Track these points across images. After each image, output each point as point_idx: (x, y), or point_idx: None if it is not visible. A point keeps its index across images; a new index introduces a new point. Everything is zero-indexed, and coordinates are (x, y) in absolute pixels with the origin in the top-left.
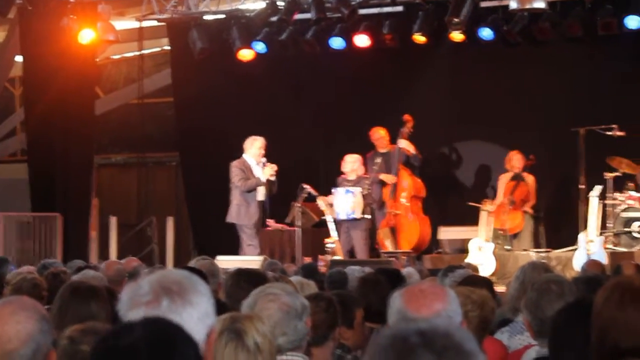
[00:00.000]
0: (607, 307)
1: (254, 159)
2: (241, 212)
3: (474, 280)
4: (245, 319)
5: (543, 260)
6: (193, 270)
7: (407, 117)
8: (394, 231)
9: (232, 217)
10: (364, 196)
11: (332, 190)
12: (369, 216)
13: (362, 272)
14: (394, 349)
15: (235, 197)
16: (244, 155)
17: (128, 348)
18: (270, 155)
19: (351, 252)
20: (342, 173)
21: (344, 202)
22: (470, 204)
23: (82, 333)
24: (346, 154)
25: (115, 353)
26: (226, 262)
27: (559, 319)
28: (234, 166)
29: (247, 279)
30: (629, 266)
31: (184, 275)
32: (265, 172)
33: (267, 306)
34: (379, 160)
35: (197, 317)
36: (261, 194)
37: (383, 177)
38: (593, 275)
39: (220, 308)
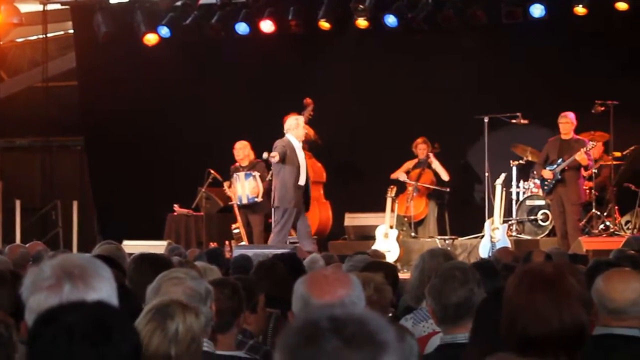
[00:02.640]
0: (517, 293)
1: (298, 139)
2: (278, 195)
3: (376, 266)
4: (177, 305)
5: (443, 247)
6: (100, 257)
7: (307, 100)
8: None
9: (273, 200)
10: (262, 180)
11: (233, 177)
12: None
13: (267, 257)
14: (303, 333)
15: (274, 179)
16: (287, 135)
17: (65, 327)
18: (176, 141)
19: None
20: (235, 161)
21: (245, 187)
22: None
23: None
24: (252, 139)
25: (53, 330)
26: (132, 246)
27: (480, 306)
28: (277, 144)
29: (149, 264)
30: (538, 254)
31: (86, 260)
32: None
33: (171, 290)
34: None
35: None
36: (302, 177)
37: None
38: (485, 261)
39: (125, 293)
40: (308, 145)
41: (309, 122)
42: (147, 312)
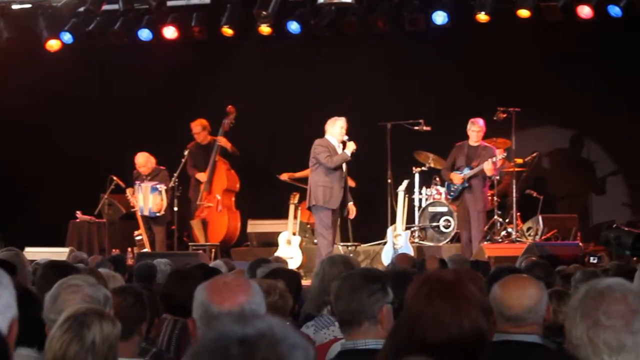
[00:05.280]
0: (416, 300)
1: (336, 139)
2: (327, 194)
3: (278, 273)
4: (94, 314)
5: (343, 254)
6: (1, 262)
7: (230, 108)
8: (205, 223)
9: (317, 199)
10: (167, 191)
11: (135, 185)
12: (176, 208)
13: (169, 264)
14: (212, 358)
15: (321, 179)
16: (326, 136)
17: None
18: (79, 147)
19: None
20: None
21: (149, 200)
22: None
23: None
24: (155, 146)
25: None
26: (34, 253)
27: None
28: (318, 144)
29: (56, 272)
30: (432, 261)
31: None
32: (349, 146)
33: (69, 298)
34: (197, 152)
35: None
36: (344, 177)
37: (198, 176)
38: (396, 269)
39: (27, 300)
40: (224, 152)
41: (230, 129)
42: (64, 321)
